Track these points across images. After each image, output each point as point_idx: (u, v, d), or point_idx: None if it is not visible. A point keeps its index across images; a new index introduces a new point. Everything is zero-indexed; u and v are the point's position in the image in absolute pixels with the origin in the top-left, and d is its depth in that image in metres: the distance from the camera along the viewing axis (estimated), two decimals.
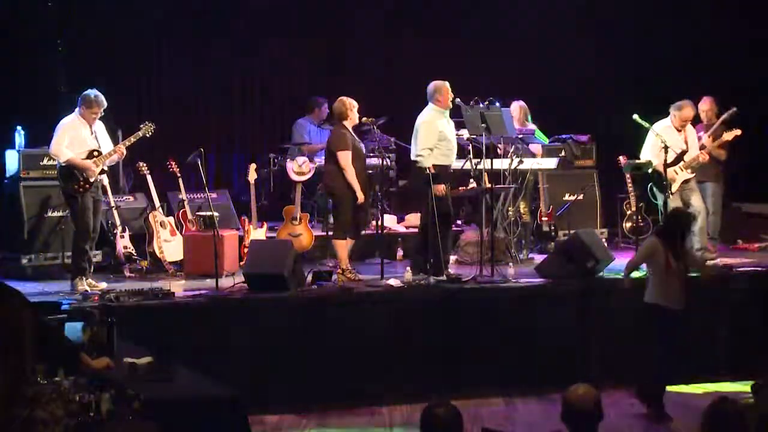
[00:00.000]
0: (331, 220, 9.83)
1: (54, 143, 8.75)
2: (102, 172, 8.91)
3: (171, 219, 10.06)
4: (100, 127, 8.98)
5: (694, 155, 9.94)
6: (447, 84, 9.10)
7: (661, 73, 12.54)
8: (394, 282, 8.76)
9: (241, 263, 9.44)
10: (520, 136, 10.19)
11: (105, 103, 8.85)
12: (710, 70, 12.40)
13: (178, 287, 8.74)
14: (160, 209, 10.06)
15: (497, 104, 9.40)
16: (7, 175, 9.96)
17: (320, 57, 12.75)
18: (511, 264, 9.54)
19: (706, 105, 10.73)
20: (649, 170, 9.94)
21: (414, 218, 11.20)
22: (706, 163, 10.10)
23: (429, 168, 8.89)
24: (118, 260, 9.72)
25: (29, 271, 9.59)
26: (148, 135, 9.18)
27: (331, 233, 9.31)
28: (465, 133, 9.53)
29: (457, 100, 9.15)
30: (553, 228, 11.07)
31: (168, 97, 12.10)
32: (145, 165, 10.05)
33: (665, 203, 9.56)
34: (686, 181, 9.91)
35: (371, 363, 8.26)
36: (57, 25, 11.07)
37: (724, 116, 10.56)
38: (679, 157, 9.84)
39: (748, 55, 12.47)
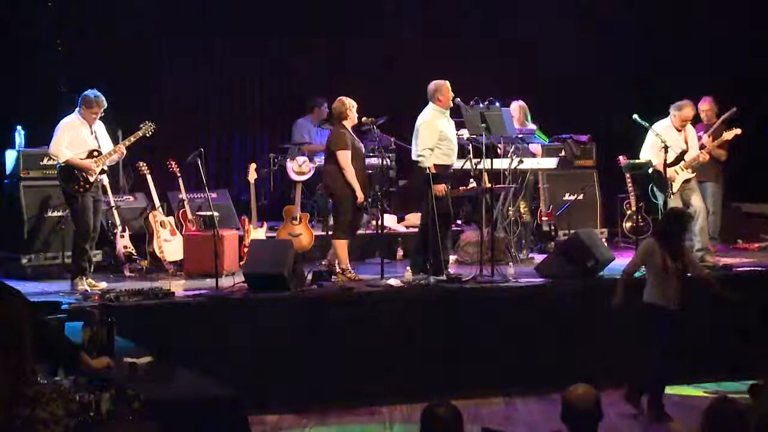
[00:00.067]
0: (331, 220, 9.81)
1: (53, 143, 8.75)
2: (102, 172, 8.91)
3: (171, 219, 10.06)
4: (100, 127, 8.98)
5: (695, 155, 9.94)
6: (447, 83, 9.10)
7: (661, 73, 12.54)
8: (394, 282, 8.76)
9: (241, 263, 9.44)
10: (520, 136, 10.19)
11: (105, 104, 8.85)
12: (710, 70, 12.40)
13: (178, 287, 8.74)
14: (160, 209, 10.06)
15: (497, 104, 9.40)
16: (7, 175, 9.95)
17: (320, 57, 12.75)
18: (511, 264, 9.54)
19: (706, 105, 10.73)
20: (650, 170, 9.94)
21: (414, 218, 11.20)
22: (706, 163, 10.11)
23: (429, 168, 8.89)
24: (118, 260, 9.73)
25: (29, 271, 9.59)
26: (148, 135, 9.18)
27: (330, 233, 9.30)
28: (465, 133, 9.53)
29: (457, 100, 9.15)
30: (553, 228, 11.07)
31: (168, 97, 12.09)
32: (145, 165, 10.05)
33: (665, 203, 9.56)
34: (687, 181, 9.92)
35: (371, 363, 8.26)
36: (57, 25, 11.07)
37: (724, 116, 10.57)
38: (680, 157, 9.84)
39: (748, 55, 12.47)
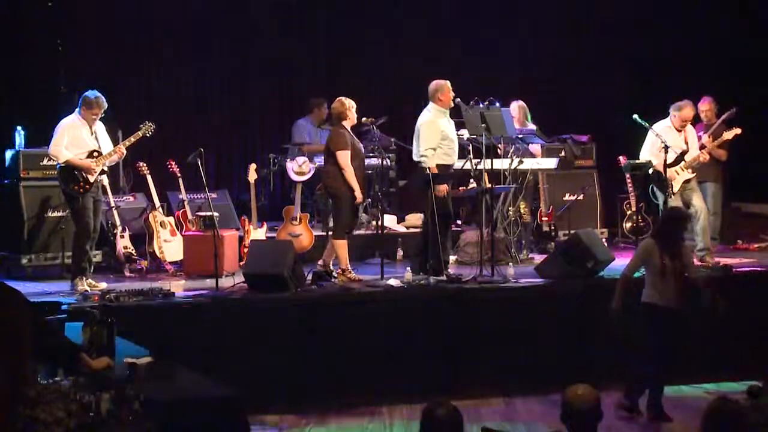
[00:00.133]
0: (331, 220, 9.81)
1: (53, 144, 8.76)
2: (102, 172, 8.91)
3: (171, 219, 10.07)
4: (100, 127, 8.98)
5: (695, 155, 9.95)
6: (448, 83, 9.10)
7: (661, 73, 12.54)
8: (394, 282, 8.76)
9: (241, 263, 9.44)
10: (520, 136, 10.19)
11: (105, 104, 8.85)
12: (710, 70, 12.42)
13: (178, 287, 8.74)
14: (160, 209, 10.07)
15: (497, 104, 9.40)
16: (7, 175, 9.95)
17: (320, 57, 12.75)
18: (511, 264, 9.55)
19: (705, 105, 10.74)
20: (650, 171, 9.94)
21: (414, 218, 11.21)
22: (706, 163, 10.11)
23: (430, 168, 8.89)
24: (118, 260, 9.73)
25: (29, 271, 9.59)
26: (148, 135, 9.18)
27: (330, 233, 9.30)
28: (465, 133, 9.53)
29: (457, 100, 9.15)
30: (553, 228, 11.07)
31: (168, 97, 12.10)
32: (145, 165, 10.05)
33: (665, 203, 9.56)
34: (687, 182, 9.92)
35: (371, 363, 8.26)
36: (57, 25, 11.07)
37: (724, 116, 10.58)
38: (680, 158, 9.85)
39: (748, 55, 12.47)
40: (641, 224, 10.95)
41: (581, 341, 8.61)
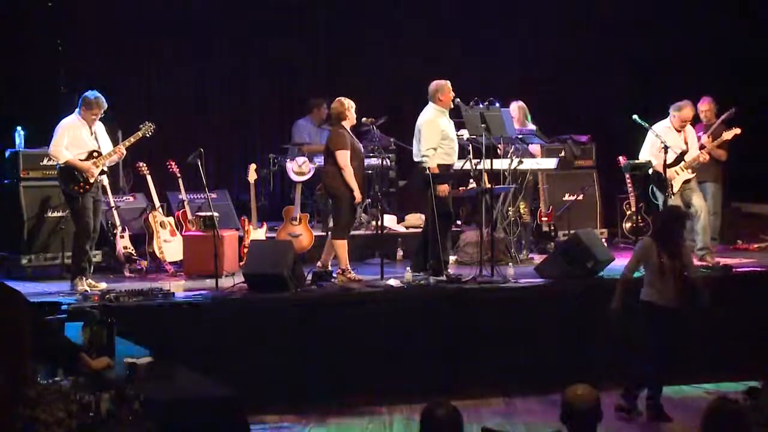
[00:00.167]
0: (331, 221, 9.81)
1: (53, 144, 8.76)
2: (102, 172, 8.91)
3: (171, 219, 10.07)
4: (100, 127, 8.99)
5: (695, 155, 9.95)
6: (448, 83, 9.11)
7: (661, 73, 12.54)
8: (394, 282, 8.76)
9: (241, 263, 9.44)
10: (520, 136, 10.19)
11: (105, 105, 8.85)
12: (710, 70, 12.42)
13: (178, 287, 8.75)
14: (160, 209, 10.07)
15: (497, 104, 9.40)
16: (7, 175, 9.95)
17: (320, 57, 12.75)
18: (511, 264, 9.55)
19: (705, 105, 10.74)
20: (650, 171, 9.95)
21: (414, 218, 11.21)
22: (706, 163, 10.11)
23: (431, 168, 8.90)
24: (118, 260, 9.73)
25: (29, 271, 9.59)
26: (148, 135, 9.19)
27: (330, 234, 9.29)
28: (465, 134, 9.53)
29: (457, 100, 9.15)
30: (553, 228, 11.07)
31: (168, 97, 12.10)
32: (145, 165, 10.05)
33: (665, 203, 9.56)
34: (687, 182, 9.92)
35: (371, 363, 8.26)
36: (57, 25, 11.07)
37: (723, 116, 10.58)
38: (680, 158, 9.85)
39: (748, 55, 12.47)
40: (641, 224, 10.95)
41: (581, 341, 8.61)
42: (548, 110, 11.52)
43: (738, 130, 10.26)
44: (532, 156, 10.63)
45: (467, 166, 9.74)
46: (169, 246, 9.89)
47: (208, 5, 12.31)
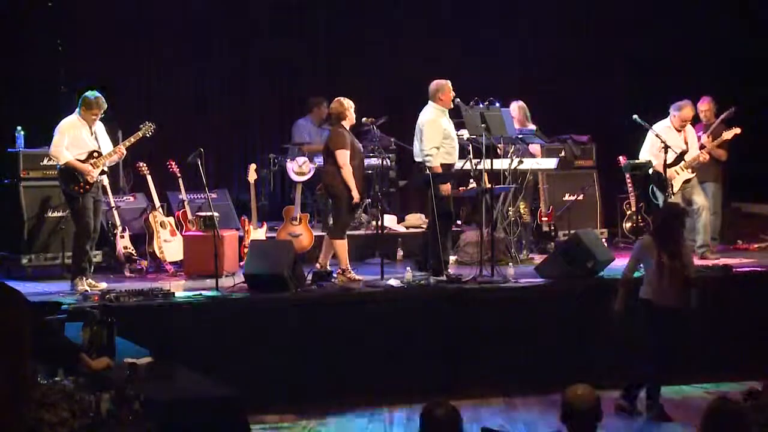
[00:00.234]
0: (331, 220, 9.81)
1: (53, 145, 8.76)
2: (102, 172, 8.92)
3: (171, 219, 10.07)
4: (100, 127, 8.99)
5: (695, 155, 9.95)
6: (449, 83, 9.12)
7: (661, 73, 12.55)
8: (394, 282, 8.77)
9: (241, 263, 9.44)
10: (520, 136, 10.19)
11: (105, 105, 8.85)
12: (710, 70, 12.42)
13: (178, 287, 8.74)
14: (160, 209, 10.07)
15: (497, 104, 9.40)
16: (7, 175, 9.95)
17: (320, 57, 12.75)
18: (511, 264, 9.55)
19: (704, 105, 10.75)
20: (650, 171, 9.95)
21: (414, 218, 11.22)
22: (706, 163, 10.12)
23: (434, 168, 8.90)
24: (118, 260, 9.73)
25: (29, 271, 9.59)
26: (148, 135, 9.19)
27: (330, 234, 9.28)
28: (465, 133, 9.53)
29: (457, 100, 9.16)
30: (553, 228, 11.07)
31: (168, 97, 12.09)
32: (145, 165, 10.05)
33: (665, 203, 9.56)
34: (687, 181, 9.93)
35: (371, 363, 8.26)
36: (57, 25, 11.07)
37: (723, 115, 10.58)
38: (680, 158, 9.85)
39: (748, 55, 12.47)
40: (641, 224, 10.95)
41: (581, 341, 8.61)
42: (548, 110, 11.52)
43: (738, 130, 10.26)
44: (532, 156, 10.63)
45: (467, 166, 9.75)
46: (170, 246, 9.90)
47: (208, 5, 12.31)
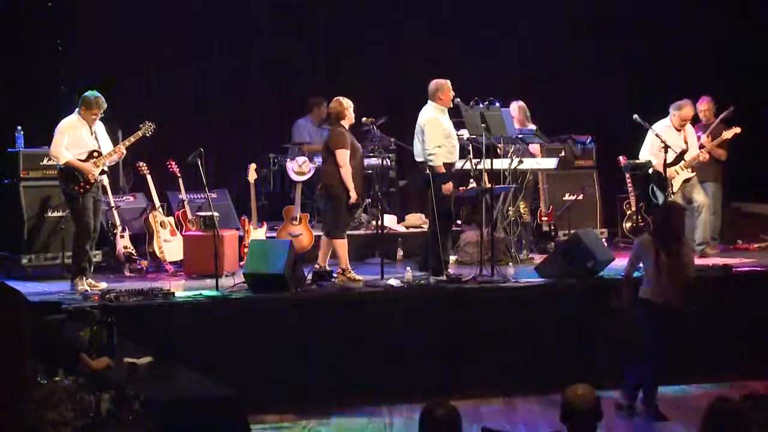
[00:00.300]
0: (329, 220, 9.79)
1: (53, 145, 8.76)
2: (102, 172, 8.91)
3: (171, 219, 10.07)
4: (100, 127, 8.99)
5: (694, 154, 9.95)
6: (448, 83, 9.12)
7: (661, 73, 12.55)
8: (394, 282, 8.77)
9: (241, 263, 9.44)
10: (520, 136, 10.19)
11: (105, 105, 8.85)
12: (710, 70, 12.42)
13: (178, 287, 8.74)
14: (160, 209, 10.07)
15: (497, 104, 9.40)
16: (7, 175, 9.95)
17: (320, 57, 12.75)
18: (511, 264, 9.55)
19: (704, 105, 10.75)
20: (650, 171, 9.94)
21: (414, 218, 11.22)
22: (706, 163, 10.12)
23: (437, 167, 8.90)
24: (118, 260, 9.73)
25: (29, 271, 9.59)
26: (148, 135, 9.19)
27: (325, 234, 9.25)
28: (465, 133, 9.53)
29: (457, 99, 9.16)
30: (553, 228, 11.06)
31: (168, 97, 12.09)
32: (145, 165, 10.05)
33: (665, 202, 9.56)
34: (687, 180, 9.93)
35: (371, 363, 8.26)
36: (57, 25, 11.07)
37: (722, 115, 10.59)
38: (680, 157, 9.86)
39: (748, 55, 12.47)
40: (641, 224, 10.95)
41: (581, 341, 8.61)
42: (548, 110, 11.52)
43: (738, 129, 10.27)
44: (532, 156, 10.63)
45: (467, 166, 9.75)
46: (170, 246, 9.89)
47: (208, 5, 12.30)
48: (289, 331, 8.20)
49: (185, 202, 10.16)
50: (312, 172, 10.49)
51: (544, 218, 11.08)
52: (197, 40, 12.26)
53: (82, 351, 5.76)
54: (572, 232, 9.90)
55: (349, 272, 8.97)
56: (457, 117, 9.31)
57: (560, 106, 12.21)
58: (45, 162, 9.64)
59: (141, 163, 10.08)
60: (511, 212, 10.31)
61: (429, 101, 9.14)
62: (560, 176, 11.30)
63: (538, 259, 9.97)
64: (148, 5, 11.92)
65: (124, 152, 9.14)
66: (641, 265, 7.78)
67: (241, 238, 10.04)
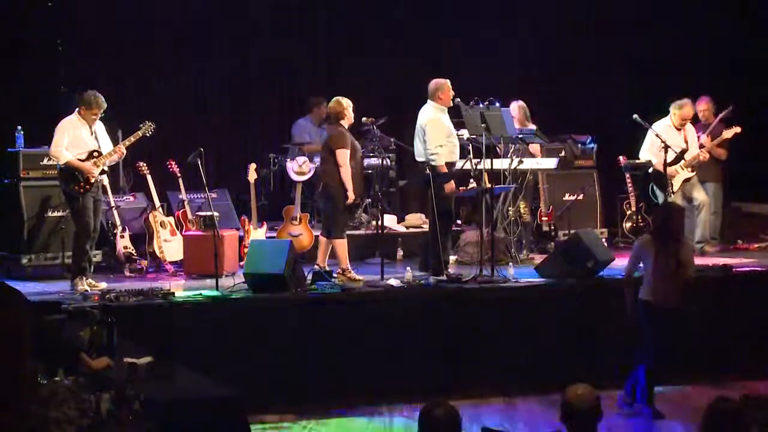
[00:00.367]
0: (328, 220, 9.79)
1: (53, 145, 8.76)
2: (102, 172, 8.91)
3: (171, 219, 10.07)
4: (100, 127, 8.99)
5: (694, 154, 9.96)
6: (448, 82, 9.12)
7: (661, 73, 12.55)
8: (394, 282, 8.77)
9: (241, 263, 9.44)
10: (520, 136, 10.19)
11: (104, 104, 8.85)
12: (710, 70, 12.42)
13: (178, 287, 8.74)
14: (160, 209, 10.07)
15: (497, 104, 9.40)
16: (7, 174, 9.95)
17: (320, 57, 12.75)
18: (511, 264, 9.55)
19: (703, 105, 10.76)
20: (650, 170, 9.94)
21: (414, 218, 11.22)
22: (706, 163, 10.12)
23: (439, 167, 8.90)
24: (118, 260, 9.73)
25: (29, 271, 9.58)
26: (148, 135, 9.19)
27: (323, 234, 9.25)
28: (465, 133, 9.53)
29: (457, 99, 9.16)
30: (553, 228, 11.07)
31: (168, 97, 12.08)
32: (145, 165, 10.05)
33: (665, 202, 9.57)
34: (687, 180, 9.93)
35: (371, 363, 8.26)
36: (57, 25, 11.07)
37: (721, 114, 10.59)
38: (680, 156, 9.86)
39: (748, 55, 12.47)
40: (641, 224, 10.95)
41: (581, 341, 8.62)
42: (548, 110, 11.52)
43: (738, 129, 10.28)
44: (532, 156, 10.63)
45: (467, 166, 9.75)
46: (170, 246, 9.89)
47: (208, 5, 12.30)
48: (289, 331, 8.20)
49: (185, 202, 10.16)
50: (312, 172, 10.49)
51: (544, 218, 11.08)
52: (197, 40, 12.25)
53: (82, 351, 5.76)
54: (572, 232, 9.90)
55: (349, 272, 8.97)
56: (457, 117, 9.31)
57: (560, 106, 12.21)
58: (45, 162, 9.64)
59: (141, 163, 10.08)
60: (511, 212, 10.31)
61: (429, 101, 9.14)
62: (560, 176, 11.30)
63: (538, 259, 9.97)
64: (148, 5, 11.92)
65: (124, 152, 9.14)
66: (641, 265, 7.78)
67: (241, 238, 10.04)
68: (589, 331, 8.62)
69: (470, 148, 9.80)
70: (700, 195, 10.02)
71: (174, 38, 12.11)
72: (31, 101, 10.72)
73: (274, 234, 10.34)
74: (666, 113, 10.09)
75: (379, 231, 9.87)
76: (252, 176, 10.28)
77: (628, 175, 11.12)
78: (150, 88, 12.07)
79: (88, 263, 8.80)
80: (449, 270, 9.18)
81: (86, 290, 8.46)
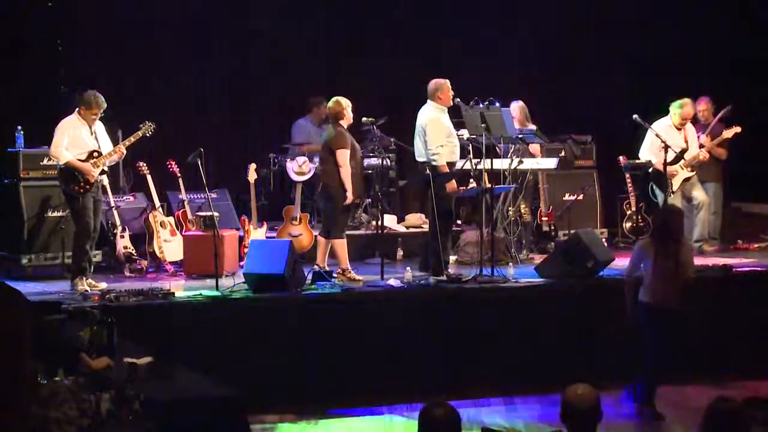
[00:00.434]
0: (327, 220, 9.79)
1: (53, 145, 8.76)
2: (102, 172, 8.92)
3: (171, 219, 10.07)
4: (99, 127, 8.99)
5: (694, 153, 9.96)
6: (448, 82, 9.12)
7: (661, 73, 12.55)
8: (394, 282, 8.77)
9: (241, 263, 9.44)
10: (520, 136, 10.19)
11: (104, 104, 8.85)
12: (710, 70, 12.42)
13: (178, 287, 8.74)
14: (160, 209, 10.07)
15: (497, 104, 9.40)
16: (7, 174, 9.95)
17: (320, 57, 12.75)
18: (511, 264, 9.55)
19: (702, 105, 10.77)
20: (650, 170, 9.94)
21: (414, 218, 11.22)
22: (706, 163, 10.12)
23: (441, 167, 8.90)
24: (118, 260, 9.73)
25: (29, 271, 9.59)
26: (148, 135, 9.19)
27: (322, 235, 9.25)
28: (465, 133, 9.53)
29: (457, 99, 9.16)
30: (553, 228, 11.07)
31: (168, 97, 12.08)
32: (145, 165, 10.05)
33: (665, 202, 9.57)
34: (687, 179, 9.93)
35: (371, 363, 8.26)
36: (57, 25, 11.07)
37: (720, 114, 10.59)
38: (679, 156, 9.86)
39: (748, 55, 12.47)
40: (641, 224, 10.96)
41: (581, 341, 8.62)
42: (548, 110, 11.52)
43: (738, 129, 10.28)
44: (532, 156, 10.63)
45: (467, 166, 9.75)
46: (170, 246, 9.89)
47: (208, 5, 12.30)
48: (289, 331, 8.20)
49: (185, 202, 10.17)
50: (312, 172, 10.49)
51: (544, 218, 11.08)
52: (197, 40, 12.25)
53: (82, 351, 5.76)
54: (572, 232, 9.90)
55: (349, 272, 8.98)
56: (457, 117, 9.31)
57: (560, 106, 12.21)
58: (45, 162, 9.64)
59: (141, 163, 10.08)
60: (511, 212, 10.31)
61: (428, 101, 9.14)
62: (560, 176, 11.30)
63: (538, 259, 9.97)
64: (148, 5, 11.92)
65: (124, 152, 9.14)
66: (642, 265, 7.78)
67: (241, 238, 10.04)
68: (589, 331, 8.62)
69: (470, 148, 9.80)
70: (699, 194, 10.04)
71: (174, 38, 12.11)
72: (31, 101, 10.72)
73: (274, 234, 10.34)
74: (666, 113, 10.10)
75: (379, 231, 9.87)
76: (252, 176, 10.28)
77: (628, 175, 11.12)
78: (150, 88, 12.07)
79: (88, 263, 8.80)
80: (449, 270, 9.18)
81: (86, 290, 8.46)
